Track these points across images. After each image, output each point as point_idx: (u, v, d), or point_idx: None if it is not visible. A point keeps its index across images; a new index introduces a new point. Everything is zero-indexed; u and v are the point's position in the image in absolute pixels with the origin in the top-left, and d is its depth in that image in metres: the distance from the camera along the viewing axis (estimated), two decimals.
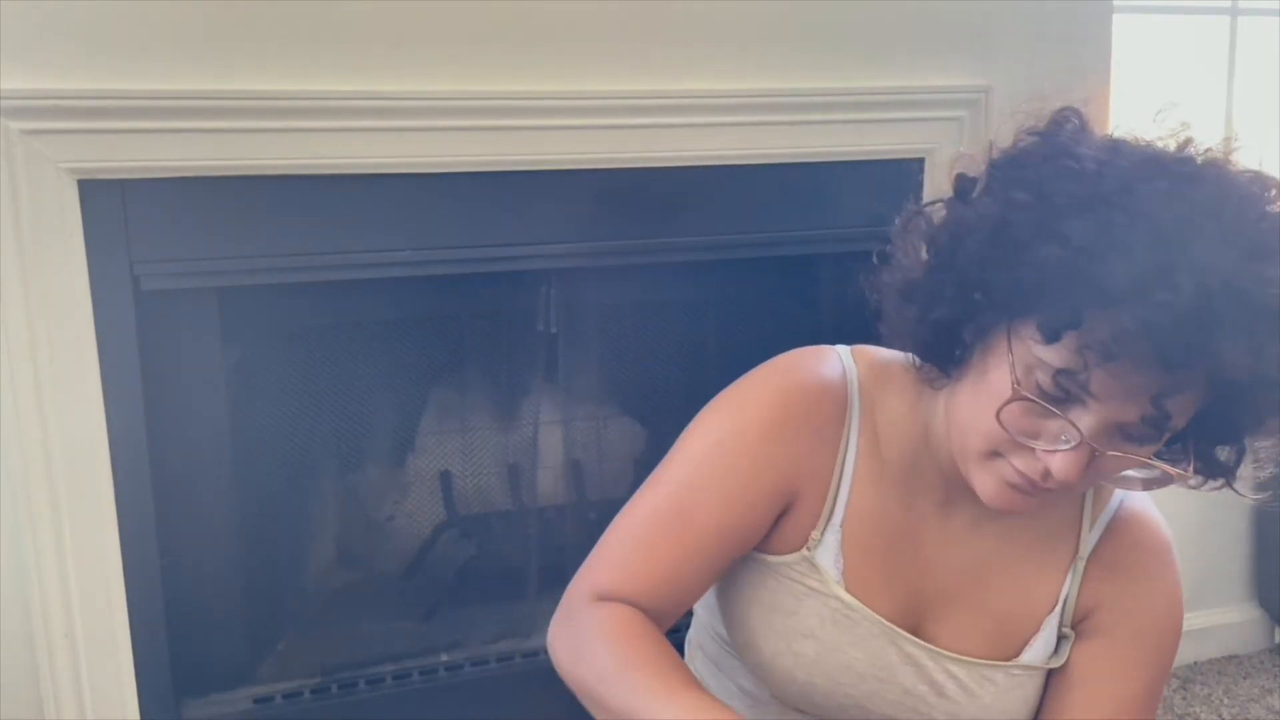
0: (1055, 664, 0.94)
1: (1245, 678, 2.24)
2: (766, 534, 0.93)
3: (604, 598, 0.90)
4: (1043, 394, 0.76)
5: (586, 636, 0.87)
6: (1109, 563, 0.97)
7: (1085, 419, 0.76)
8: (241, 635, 1.59)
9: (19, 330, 1.31)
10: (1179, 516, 2.35)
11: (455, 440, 1.76)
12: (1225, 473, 0.85)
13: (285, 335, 1.58)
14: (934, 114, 1.65)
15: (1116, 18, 1.97)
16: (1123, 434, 0.77)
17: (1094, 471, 0.80)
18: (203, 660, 1.52)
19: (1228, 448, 0.85)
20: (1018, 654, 0.94)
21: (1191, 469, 0.83)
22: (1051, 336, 0.74)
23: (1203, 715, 2.10)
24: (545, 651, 1.78)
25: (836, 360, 0.95)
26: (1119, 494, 0.98)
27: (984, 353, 0.82)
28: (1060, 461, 0.77)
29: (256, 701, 1.56)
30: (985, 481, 0.83)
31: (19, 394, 1.32)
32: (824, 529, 0.93)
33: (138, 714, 1.43)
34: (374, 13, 1.40)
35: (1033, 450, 0.79)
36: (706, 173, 1.52)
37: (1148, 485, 0.85)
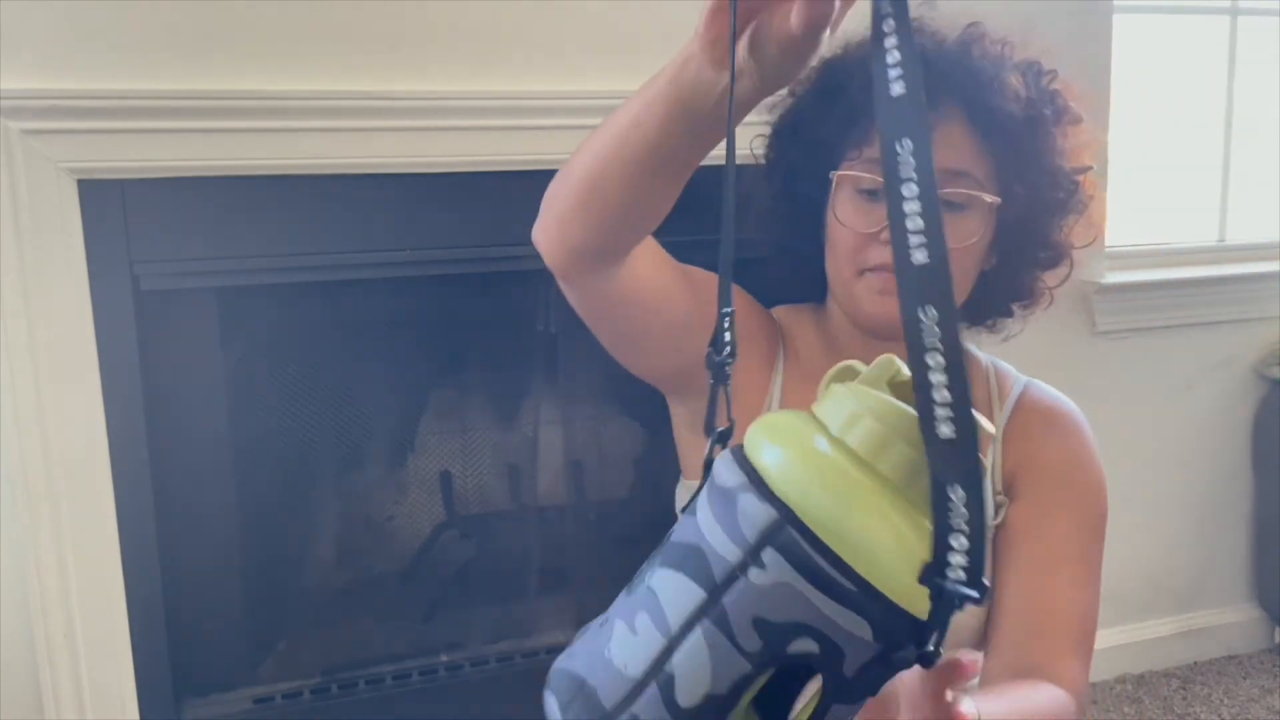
0: (995, 522, 1.04)
1: (1245, 678, 2.24)
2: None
3: None
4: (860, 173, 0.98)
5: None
6: (1021, 432, 1.08)
7: None
8: (241, 635, 1.59)
9: (19, 330, 1.31)
10: (1179, 516, 2.37)
11: (455, 440, 1.76)
12: (1030, 199, 1.02)
13: (285, 335, 1.58)
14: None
15: (1116, 18, 1.97)
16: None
17: None
18: (203, 660, 1.52)
19: (1021, 185, 1.01)
20: None
21: (998, 197, 1.00)
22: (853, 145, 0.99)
23: (1203, 715, 2.10)
24: (545, 651, 1.79)
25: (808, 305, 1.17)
26: (1021, 381, 1.13)
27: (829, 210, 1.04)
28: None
29: (256, 702, 1.56)
30: (863, 297, 1.01)
31: (19, 394, 1.32)
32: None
33: (138, 714, 1.43)
34: (374, 13, 1.40)
35: (881, 242, 0.97)
36: (705, 172, 1.52)
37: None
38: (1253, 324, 2.23)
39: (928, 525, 0.51)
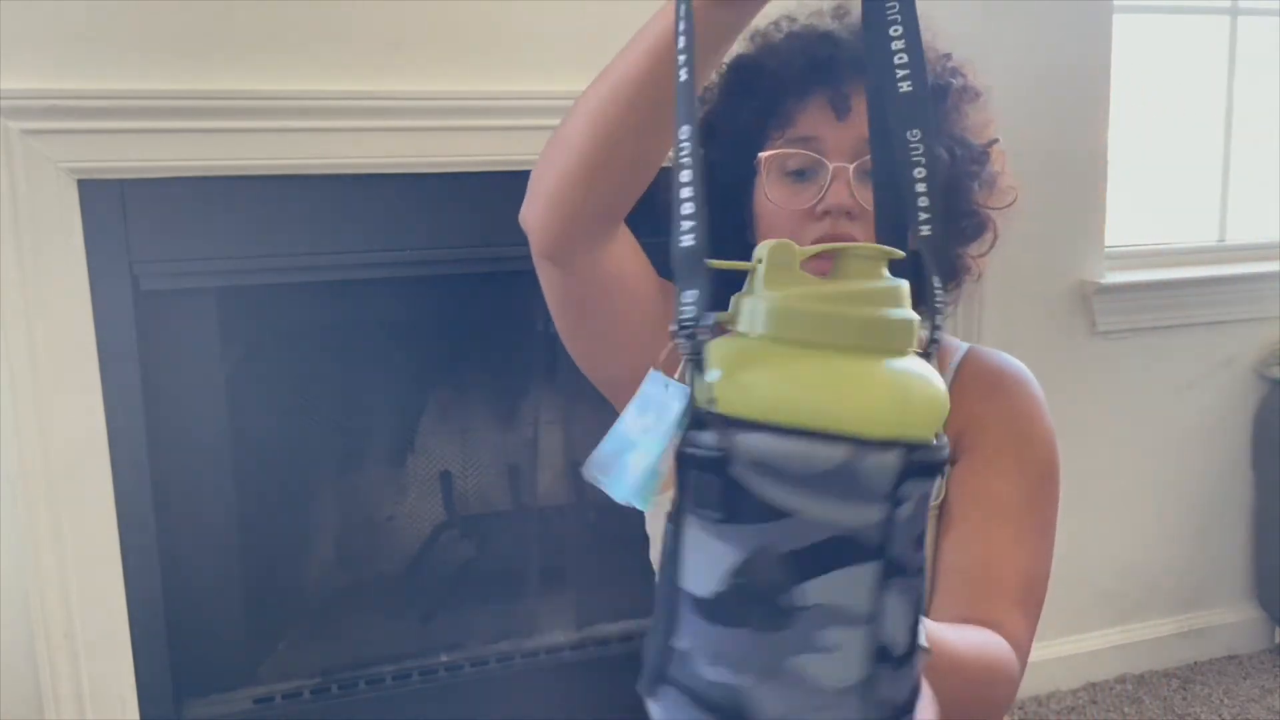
0: (939, 500, 1.02)
1: (1245, 678, 2.24)
2: None
3: None
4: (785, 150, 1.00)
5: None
6: (960, 394, 1.05)
7: (820, 148, 0.99)
8: (241, 636, 1.59)
9: (19, 330, 1.31)
10: (1179, 517, 2.37)
11: (455, 440, 1.76)
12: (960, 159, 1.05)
13: (285, 335, 1.58)
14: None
15: (1116, 18, 1.98)
16: (853, 156, 0.99)
17: (867, 201, 0.97)
18: (203, 661, 1.52)
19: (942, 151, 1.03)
20: None
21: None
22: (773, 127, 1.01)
23: (1203, 715, 2.10)
24: (545, 651, 1.79)
25: None
26: (962, 349, 1.11)
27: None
28: (833, 193, 0.97)
29: (257, 702, 1.56)
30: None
31: (19, 394, 1.32)
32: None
33: (138, 714, 1.43)
34: (373, 13, 1.40)
35: (818, 217, 0.98)
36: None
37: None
38: (1253, 324, 2.23)
39: (913, 361, 0.55)
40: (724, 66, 1.10)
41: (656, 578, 0.59)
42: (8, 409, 1.33)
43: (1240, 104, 2.30)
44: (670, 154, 0.61)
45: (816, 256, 0.57)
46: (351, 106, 1.38)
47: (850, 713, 0.54)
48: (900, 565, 0.54)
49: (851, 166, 1.00)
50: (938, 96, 1.06)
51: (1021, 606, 0.97)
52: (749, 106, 1.05)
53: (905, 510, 0.53)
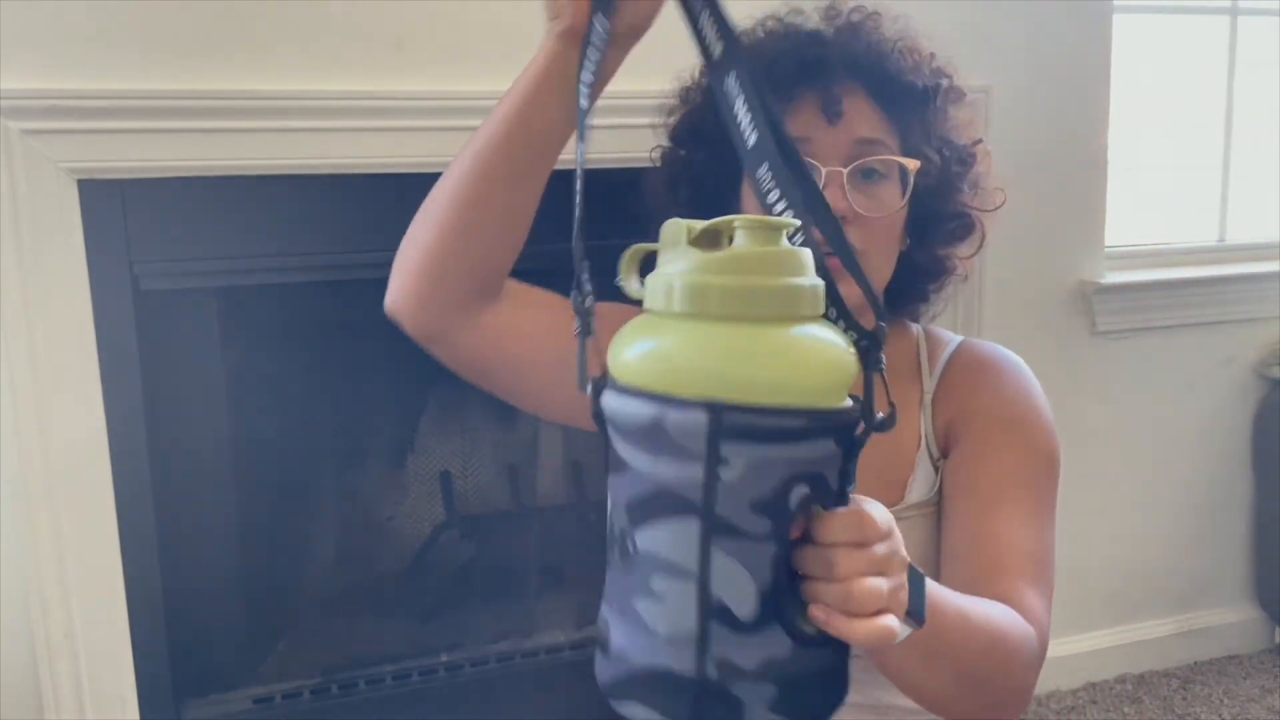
0: (934, 492, 1.03)
1: (1245, 678, 2.24)
2: None
3: None
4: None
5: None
6: (951, 385, 1.07)
7: (811, 150, 0.98)
8: (241, 636, 1.59)
9: (19, 330, 1.31)
10: (1179, 516, 2.37)
11: (455, 440, 1.76)
12: (951, 162, 1.04)
13: (285, 335, 1.58)
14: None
15: (1116, 18, 1.98)
16: (846, 159, 0.99)
17: (860, 205, 0.98)
18: (203, 661, 1.52)
19: (930, 151, 1.03)
20: (903, 497, 1.02)
21: (914, 162, 1.01)
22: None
23: (1203, 715, 2.10)
24: (545, 651, 1.79)
25: None
26: (954, 341, 1.11)
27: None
28: (827, 198, 0.97)
29: (256, 702, 1.56)
30: None
31: (19, 394, 1.32)
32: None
33: (138, 714, 1.43)
34: (374, 13, 1.40)
35: None
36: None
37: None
38: (1253, 324, 2.23)
39: (788, 329, 0.56)
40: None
41: None
42: (8, 409, 1.33)
43: (1240, 104, 2.30)
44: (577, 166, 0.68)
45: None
46: (352, 106, 1.38)
47: (684, 664, 0.56)
48: (730, 527, 0.55)
49: (845, 171, 0.99)
50: (927, 98, 1.04)
51: (1031, 583, 0.94)
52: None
53: (730, 472, 0.54)
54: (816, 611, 0.57)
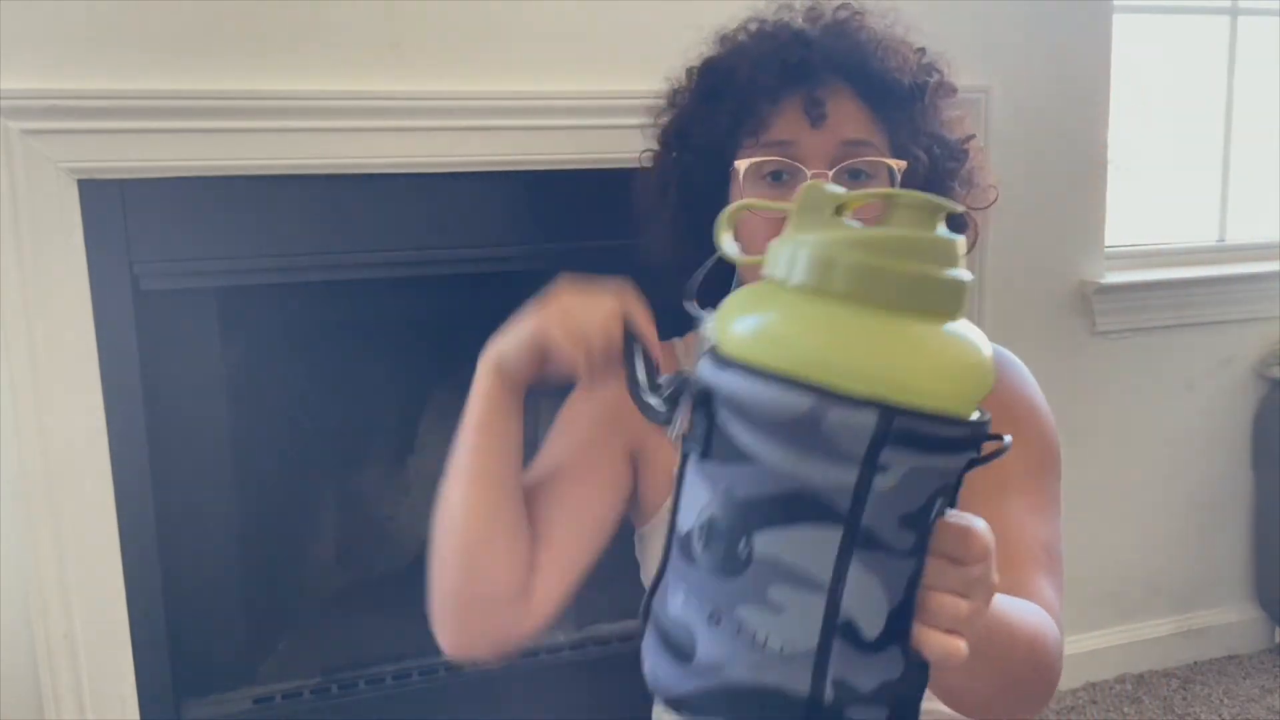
0: None
1: (1245, 678, 2.24)
2: (637, 503, 1.05)
3: None
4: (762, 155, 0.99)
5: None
6: None
7: (796, 152, 0.97)
8: (241, 635, 1.59)
9: (19, 330, 1.31)
10: (1179, 516, 2.37)
11: (455, 440, 1.76)
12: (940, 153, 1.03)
13: (285, 335, 1.58)
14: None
15: (1116, 18, 1.98)
16: (832, 161, 0.98)
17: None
18: (203, 660, 1.52)
19: (919, 150, 1.02)
20: None
21: (901, 163, 0.99)
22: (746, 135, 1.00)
23: (1203, 715, 2.10)
24: (545, 651, 1.79)
25: (663, 342, 1.13)
26: None
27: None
28: None
29: (257, 701, 1.56)
30: None
31: (19, 394, 1.32)
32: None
33: (138, 714, 1.43)
34: (374, 13, 1.40)
35: None
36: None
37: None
38: (1253, 324, 2.23)
39: (950, 327, 0.50)
40: (694, 70, 1.09)
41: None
42: (8, 409, 1.33)
43: (1240, 104, 2.30)
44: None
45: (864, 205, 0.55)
46: (351, 106, 1.38)
47: (797, 684, 0.51)
48: (874, 539, 0.50)
49: (831, 173, 0.98)
50: (914, 95, 1.03)
51: (1045, 573, 0.96)
52: (722, 110, 1.03)
53: (885, 480, 0.49)
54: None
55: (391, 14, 1.41)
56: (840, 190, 0.54)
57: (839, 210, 0.54)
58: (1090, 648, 2.20)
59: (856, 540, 0.50)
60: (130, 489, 1.39)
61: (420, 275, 1.51)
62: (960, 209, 0.58)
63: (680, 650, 0.54)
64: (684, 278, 1.12)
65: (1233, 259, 2.28)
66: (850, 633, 0.51)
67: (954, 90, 1.08)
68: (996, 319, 1.85)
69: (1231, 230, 2.34)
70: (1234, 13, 2.27)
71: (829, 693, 0.51)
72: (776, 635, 0.51)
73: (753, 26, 1.08)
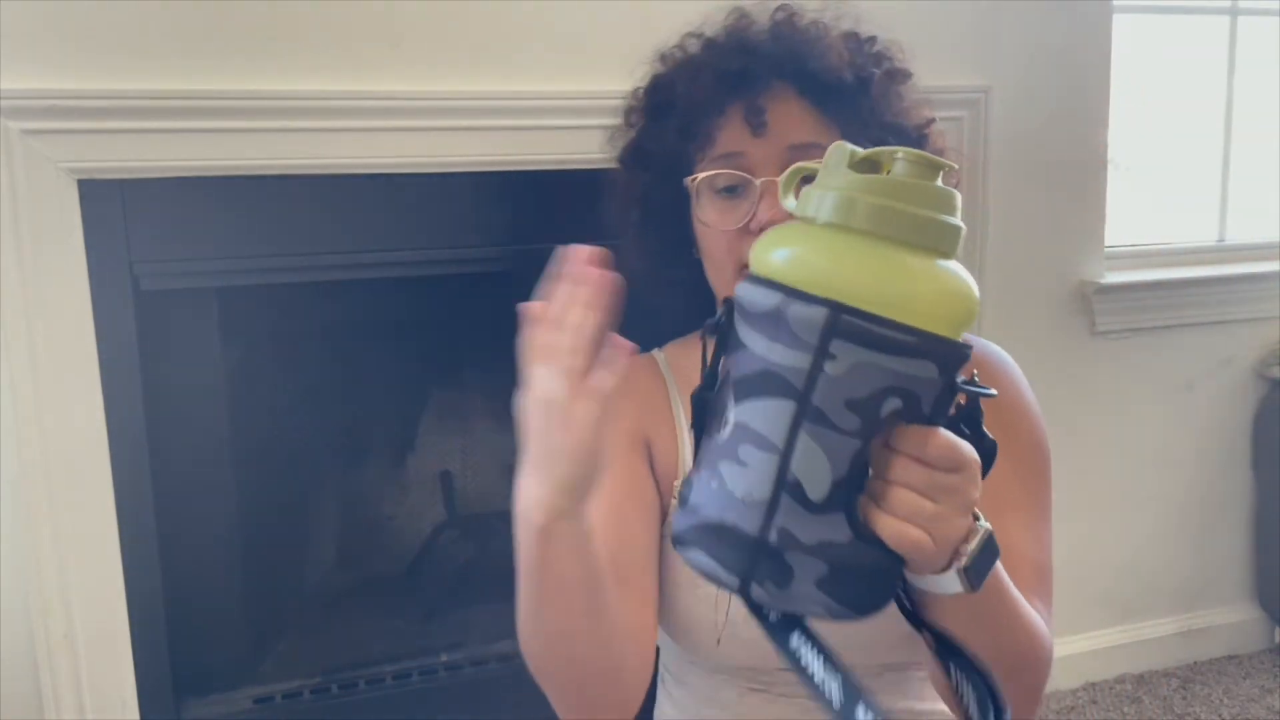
0: None
1: (1245, 678, 2.24)
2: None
3: None
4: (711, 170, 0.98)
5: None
6: None
7: (744, 163, 0.97)
8: (241, 635, 1.59)
9: (19, 330, 1.31)
10: (1179, 516, 2.37)
11: (455, 440, 1.76)
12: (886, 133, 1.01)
13: (285, 335, 1.58)
14: (934, 114, 1.66)
15: (1116, 18, 1.98)
16: (781, 167, 0.94)
17: None
18: (203, 660, 1.52)
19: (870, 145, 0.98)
20: None
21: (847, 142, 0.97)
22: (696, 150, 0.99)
23: (1203, 715, 2.10)
24: None
25: (642, 354, 1.12)
26: None
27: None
28: (764, 209, 0.94)
29: (257, 701, 1.56)
30: None
31: (19, 394, 1.32)
32: (681, 478, 1.01)
33: (138, 714, 1.43)
34: (373, 13, 1.40)
35: (752, 234, 0.95)
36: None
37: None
38: (1253, 324, 2.23)
39: (923, 258, 0.61)
40: (642, 90, 1.08)
41: None
42: (8, 409, 1.33)
43: (1240, 104, 2.30)
44: None
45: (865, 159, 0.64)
46: (351, 106, 1.38)
47: (749, 524, 0.62)
48: (821, 416, 0.61)
49: (780, 179, 0.98)
50: (861, 89, 1.01)
51: (1036, 593, 0.96)
52: (670, 128, 1.02)
53: (834, 367, 0.60)
54: (863, 503, 0.63)
55: (391, 14, 1.41)
56: (855, 148, 0.65)
57: (866, 166, 0.64)
58: (1090, 648, 2.20)
59: (806, 414, 0.61)
60: (130, 489, 1.39)
61: (420, 275, 1.51)
62: (953, 166, 0.65)
63: (684, 499, 0.67)
64: (658, 291, 1.13)
65: (1233, 259, 2.28)
66: (796, 491, 0.62)
67: (907, 76, 1.06)
68: (996, 319, 1.85)
69: (1231, 230, 2.34)
70: (1234, 13, 2.27)
71: (773, 536, 0.62)
72: (740, 485, 0.63)
73: (691, 42, 1.07)
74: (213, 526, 1.51)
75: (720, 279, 1.02)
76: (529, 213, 1.50)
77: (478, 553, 1.81)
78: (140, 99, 1.31)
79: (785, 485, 0.62)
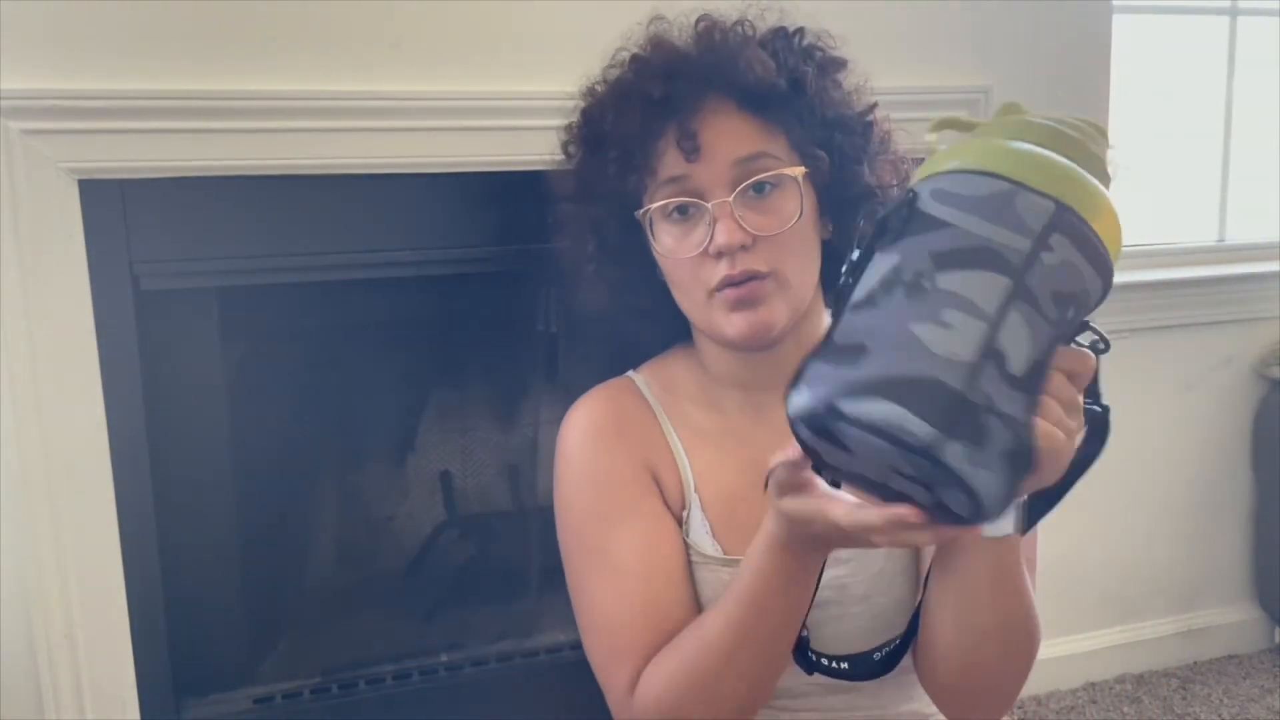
0: None
1: (1245, 678, 2.24)
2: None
3: (635, 683, 0.98)
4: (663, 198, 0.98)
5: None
6: None
7: (691, 185, 0.96)
8: (242, 635, 1.59)
9: (19, 330, 1.31)
10: (1179, 516, 2.37)
11: (455, 440, 1.76)
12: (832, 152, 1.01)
13: (285, 335, 1.58)
14: (934, 114, 1.65)
15: (1116, 18, 1.97)
16: (730, 184, 0.96)
17: (758, 226, 0.96)
18: (203, 660, 1.52)
19: (816, 145, 1.01)
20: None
21: (800, 166, 0.99)
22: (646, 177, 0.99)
23: (1203, 715, 2.10)
24: (545, 651, 1.79)
25: (617, 378, 1.13)
26: None
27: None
28: (720, 233, 0.94)
29: (257, 702, 1.56)
30: (723, 320, 0.98)
31: (19, 394, 1.32)
32: (690, 506, 1.02)
33: (138, 714, 1.43)
34: (373, 13, 1.40)
35: (713, 258, 0.95)
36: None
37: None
38: (1253, 324, 2.23)
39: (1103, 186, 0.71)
40: (575, 124, 1.07)
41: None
42: (8, 409, 1.33)
43: (1240, 104, 2.30)
44: None
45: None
46: (351, 106, 1.38)
47: (955, 380, 0.63)
48: (1033, 297, 0.65)
49: (732, 198, 0.96)
50: (796, 89, 1.00)
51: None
52: (609, 160, 1.01)
53: (1050, 257, 0.65)
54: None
55: (391, 13, 1.41)
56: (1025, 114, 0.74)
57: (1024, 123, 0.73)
58: (1090, 648, 2.20)
59: (1019, 292, 0.65)
60: (130, 489, 1.38)
61: (421, 275, 1.51)
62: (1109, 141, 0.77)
63: (847, 355, 0.66)
64: (627, 320, 1.13)
65: (1232, 259, 2.28)
66: (1000, 360, 0.64)
67: (842, 64, 1.06)
68: None
69: (1231, 230, 2.34)
70: (1234, 13, 2.27)
71: (978, 396, 0.63)
72: (943, 345, 0.63)
73: (612, 72, 1.06)
74: (213, 526, 1.51)
75: (690, 302, 1.02)
76: (530, 213, 1.50)
77: (478, 553, 1.81)
78: (140, 99, 1.31)
79: (991, 353, 0.64)
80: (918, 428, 0.62)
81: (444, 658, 1.67)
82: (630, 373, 1.14)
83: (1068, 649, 2.16)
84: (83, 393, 1.34)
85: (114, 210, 1.33)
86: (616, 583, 0.99)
